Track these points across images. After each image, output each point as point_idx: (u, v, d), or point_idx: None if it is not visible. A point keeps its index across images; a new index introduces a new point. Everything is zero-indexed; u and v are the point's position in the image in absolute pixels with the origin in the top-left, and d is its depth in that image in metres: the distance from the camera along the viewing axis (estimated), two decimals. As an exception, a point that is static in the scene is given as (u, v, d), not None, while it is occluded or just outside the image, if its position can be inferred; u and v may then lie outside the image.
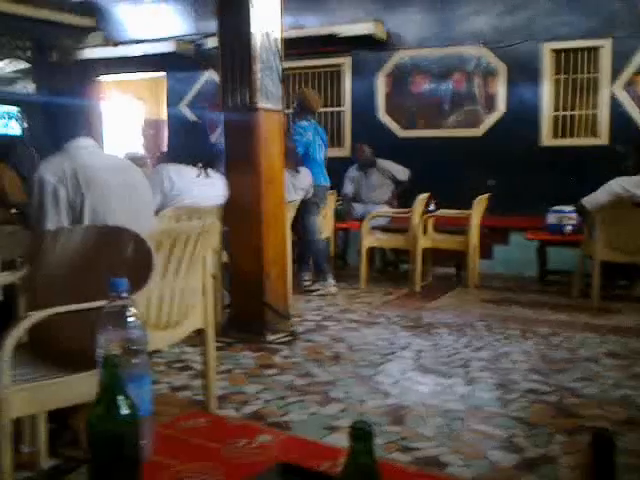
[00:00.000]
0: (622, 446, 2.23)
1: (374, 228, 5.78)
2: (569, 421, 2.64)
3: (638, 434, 2.50)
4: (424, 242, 5.45)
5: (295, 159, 5.43)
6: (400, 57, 7.09)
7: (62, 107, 2.56)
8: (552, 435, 2.50)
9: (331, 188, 6.19)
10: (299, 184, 5.70)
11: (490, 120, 6.78)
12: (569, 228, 5.30)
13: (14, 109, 8.39)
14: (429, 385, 3.07)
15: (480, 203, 5.51)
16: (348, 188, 6.67)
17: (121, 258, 1.99)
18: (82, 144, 2.46)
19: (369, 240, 5.58)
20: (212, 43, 7.08)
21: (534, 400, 2.88)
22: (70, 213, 2.31)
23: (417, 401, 2.86)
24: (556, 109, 6.63)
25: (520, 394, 2.95)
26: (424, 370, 3.30)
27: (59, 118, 2.55)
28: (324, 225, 6.05)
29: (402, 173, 6.54)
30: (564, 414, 2.73)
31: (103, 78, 8.71)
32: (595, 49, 6.42)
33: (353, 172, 6.69)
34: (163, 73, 8.31)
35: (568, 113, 6.62)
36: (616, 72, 6.33)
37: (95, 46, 8.35)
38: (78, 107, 2.55)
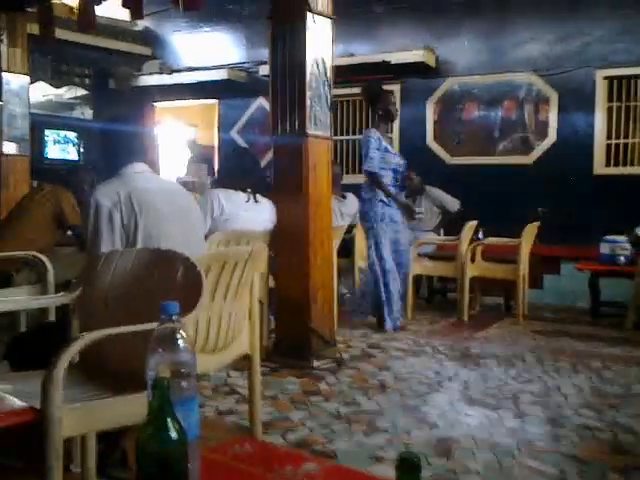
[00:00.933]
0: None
1: (421, 255, 5.74)
2: (623, 458, 2.55)
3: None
4: (472, 270, 5.38)
5: (339, 185, 5.44)
6: (450, 84, 7.08)
7: (118, 133, 2.64)
8: (605, 473, 2.41)
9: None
10: (346, 210, 5.72)
11: (541, 147, 6.69)
12: (622, 259, 5.16)
13: (72, 135, 8.70)
14: (477, 417, 3.00)
15: (530, 231, 5.42)
16: None
17: (172, 281, 2.02)
18: (137, 169, 2.52)
19: (416, 268, 5.53)
20: (264, 71, 7.21)
21: (587, 436, 2.79)
22: (124, 237, 2.37)
23: (465, 434, 2.79)
24: (609, 137, 6.51)
25: (572, 429, 2.85)
26: (472, 402, 3.23)
27: (115, 143, 2.62)
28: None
29: (452, 204, 6.47)
30: (618, 451, 2.63)
31: (158, 105, 8.96)
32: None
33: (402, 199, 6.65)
34: (216, 100, 8.50)
35: (622, 141, 6.48)
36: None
37: (151, 74, 8.60)
38: (134, 133, 2.62)
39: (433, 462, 2.48)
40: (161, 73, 8.48)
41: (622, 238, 5.20)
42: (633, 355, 4.23)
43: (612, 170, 6.48)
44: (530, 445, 2.67)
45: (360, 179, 7.36)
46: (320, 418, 2.97)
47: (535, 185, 6.56)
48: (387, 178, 4.94)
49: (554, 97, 6.59)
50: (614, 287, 5.50)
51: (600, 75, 6.40)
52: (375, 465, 2.45)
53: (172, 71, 8.45)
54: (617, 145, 6.50)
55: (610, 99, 6.48)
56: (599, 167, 6.49)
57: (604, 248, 5.25)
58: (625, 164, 6.48)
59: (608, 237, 5.29)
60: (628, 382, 3.60)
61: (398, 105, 7.39)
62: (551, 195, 6.49)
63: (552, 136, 6.64)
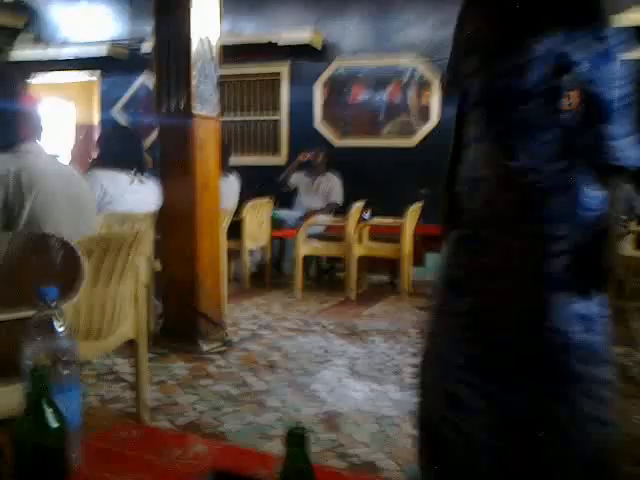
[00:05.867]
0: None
1: (310, 236, 5.81)
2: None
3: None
4: (359, 250, 5.51)
5: (227, 165, 5.36)
6: (337, 66, 7.16)
7: (9, 110, 2.49)
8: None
9: (265, 196, 6.20)
10: (229, 190, 5.67)
11: (423, 131, 6.93)
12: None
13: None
14: (364, 392, 3.10)
15: (413, 212, 5.62)
16: (292, 181, 6.69)
17: (50, 266, 1.93)
18: (31, 148, 2.40)
19: (305, 248, 5.60)
20: (147, 47, 6.96)
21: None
22: (4, 216, 2.24)
23: (352, 408, 2.88)
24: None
25: (452, 399, 3.01)
26: (358, 377, 3.33)
27: (6, 121, 2.47)
28: (260, 233, 6.04)
29: (338, 197, 6.61)
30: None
31: (33, 81, 8.44)
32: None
33: (299, 175, 6.71)
34: (95, 76, 8.12)
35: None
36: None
37: (25, 48, 8.08)
38: (13, 110, 2.48)
39: (322, 436, 2.55)
40: (36, 47, 7.98)
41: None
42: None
43: None
44: (414, 415, 2.79)
45: (250, 160, 7.36)
46: (209, 401, 2.95)
47: (418, 167, 6.78)
48: None
49: (436, 81, 6.83)
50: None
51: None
52: (266, 443, 2.48)
53: (48, 45, 7.97)
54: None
55: None
56: (477, 150, 6.81)
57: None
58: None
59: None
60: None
61: (287, 87, 7.46)
62: (433, 176, 6.71)
63: (434, 120, 6.88)
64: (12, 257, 2.04)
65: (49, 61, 7.97)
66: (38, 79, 8.40)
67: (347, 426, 2.67)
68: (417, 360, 3.45)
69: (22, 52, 8.09)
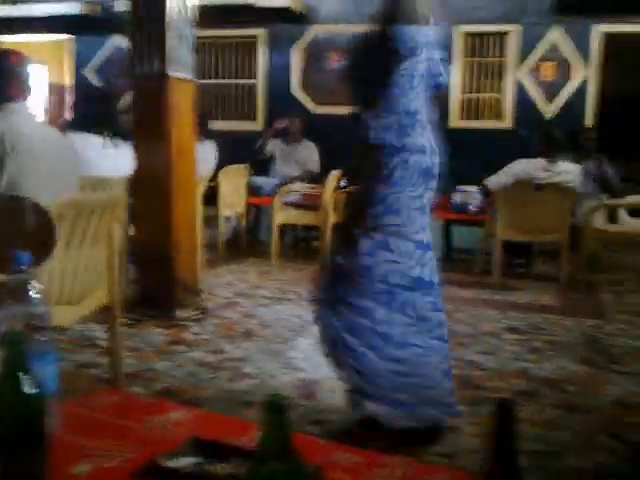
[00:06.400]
0: (523, 416, 2.36)
1: (286, 204, 5.77)
2: (472, 393, 2.75)
3: (537, 404, 2.64)
4: (335, 218, 5.49)
5: (204, 130, 5.26)
6: (316, 32, 7.05)
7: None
8: (457, 406, 2.59)
9: (241, 163, 6.13)
10: (204, 155, 5.59)
11: (401, 100, 6.88)
12: (473, 208, 5.48)
13: None
14: (340, 360, 3.10)
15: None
16: (268, 146, 6.61)
17: (22, 229, 1.88)
18: (15, 108, 2.35)
19: (281, 216, 5.56)
20: (122, 6, 6.77)
21: (440, 373, 2.98)
22: None
23: (328, 375, 2.88)
24: (464, 91, 6.81)
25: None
26: (335, 345, 3.33)
27: None
28: (236, 199, 5.98)
29: (315, 165, 6.55)
30: (467, 386, 2.83)
31: (1, 39, 8.18)
32: (504, 34, 6.63)
33: (276, 141, 6.64)
34: (68, 36, 7.89)
35: (475, 95, 6.82)
36: (522, 58, 6.57)
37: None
38: (13, 69, 2.42)
39: (299, 403, 2.55)
40: (3, 3, 7.72)
41: (473, 189, 5.51)
42: (481, 297, 4.56)
43: (466, 123, 6.82)
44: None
45: (227, 125, 7.25)
46: (185, 368, 2.94)
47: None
48: None
49: (414, 49, 6.77)
50: (465, 234, 5.86)
51: (459, 30, 6.65)
52: (243, 410, 2.48)
53: (16, 1, 7.71)
54: (471, 99, 6.83)
55: (467, 55, 6.76)
56: (454, 120, 6.80)
57: (456, 197, 5.55)
58: (478, 118, 6.83)
59: (460, 187, 5.59)
60: (476, 322, 3.88)
61: (263, 51, 7.32)
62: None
63: (412, 88, 6.83)
64: (-17, 220, 1.98)
65: (18, 19, 7.72)
66: (7, 38, 8.15)
67: (324, 393, 2.68)
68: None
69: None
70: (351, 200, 2.40)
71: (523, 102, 6.61)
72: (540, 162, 4.86)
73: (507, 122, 6.71)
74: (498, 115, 6.78)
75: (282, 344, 3.34)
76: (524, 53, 6.55)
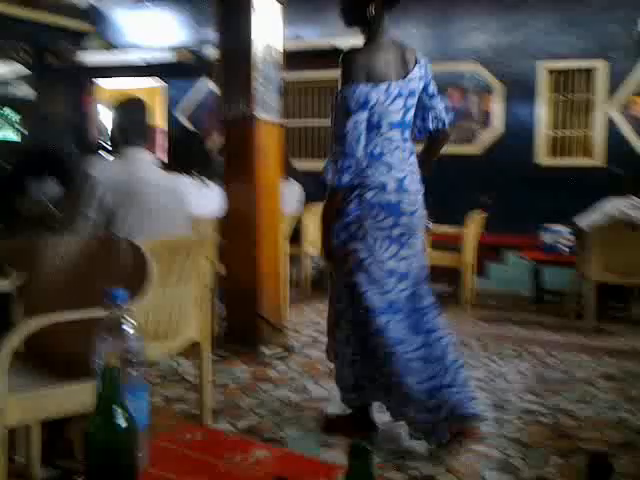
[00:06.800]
0: (619, 469, 2.22)
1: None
2: (565, 443, 2.62)
3: (634, 457, 2.48)
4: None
5: (288, 170, 5.37)
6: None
7: (123, 112, 2.61)
8: (548, 456, 2.48)
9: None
10: (291, 195, 5.69)
11: (486, 137, 6.80)
12: (564, 248, 5.30)
13: (12, 113, 8.36)
14: (424, 403, 3.03)
15: (475, 220, 5.51)
16: None
17: (120, 267, 1.97)
18: (139, 154, 2.50)
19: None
20: (212, 52, 7.09)
21: (530, 421, 2.86)
22: (106, 220, 2.33)
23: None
24: (552, 128, 6.66)
25: (516, 415, 2.92)
26: (419, 387, 3.27)
27: (120, 122, 2.58)
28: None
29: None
30: (560, 436, 2.70)
31: (100, 83, 8.69)
32: (590, 70, 6.46)
33: None
34: (160, 80, 8.30)
35: (564, 133, 6.65)
36: (611, 93, 6.37)
37: (93, 51, 8.32)
38: (136, 114, 2.60)
39: (382, 447, 2.50)
40: (103, 51, 8.21)
41: (564, 228, 5.33)
42: (573, 342, 4.36)
43: (555, 161, 6.64)
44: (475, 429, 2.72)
45: (311, 165, 7.37)
46: (270, 405, 2.96)
47: (480, 174, 6.67)
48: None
49: (498, 87, 6.70)
50: (557, 275, 5.65)
51: (543, 67, 6.54)
52: (326, 452, 2.46)
53: (114, 49, 8.19)
54: (560, 137, 6.66)
55: (553, 91, 6.63)
56: (541, 158, 6.64)
57: (546, 238, 5.38)
58: (568, 155, 6.65)
59: (550, 227, 5.42)
60: (569, 368, 3.71)
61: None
62: (496, 184, 6.61)
63: (496, 126, 6.75)
64: (84, 258, 2.08)
65: (116, 64, 8.18)
66: (105, 83, 8.66)
67: (407, 437, 2.61)
68: (480, 374, 3.38)
69: (90, 55, 8.32)
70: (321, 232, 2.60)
71: (613, 138, 6.38)
72: (634, 200, 4.66)
73: (597, 159, 6.49)
74: (587, 152, 6.58)
75: (365, 385, 3.30)
76: (612, 88, 6.35)
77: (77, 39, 8.50)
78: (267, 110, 3.86)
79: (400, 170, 2.53)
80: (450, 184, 6.67)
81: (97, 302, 1.73)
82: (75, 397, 1.66)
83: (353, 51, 2.53)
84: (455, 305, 5.57)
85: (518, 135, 6.62)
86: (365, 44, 2.61)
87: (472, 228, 5.45)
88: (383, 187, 2.47)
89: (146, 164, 2.52)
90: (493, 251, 6.40)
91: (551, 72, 6.58)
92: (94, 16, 8.57)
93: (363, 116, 2.40)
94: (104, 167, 2.42)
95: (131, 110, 2.63)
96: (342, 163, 2.39)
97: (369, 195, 2.46)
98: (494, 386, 3.33)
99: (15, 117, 8.43)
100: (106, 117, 8.76)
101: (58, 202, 3.21)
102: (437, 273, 5.91)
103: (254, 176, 3.81)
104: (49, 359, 1.90)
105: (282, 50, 4.00)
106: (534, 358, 3.90)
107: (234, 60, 3.81)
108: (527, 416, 2.91)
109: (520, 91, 6.63)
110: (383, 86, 2.44)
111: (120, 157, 2.50)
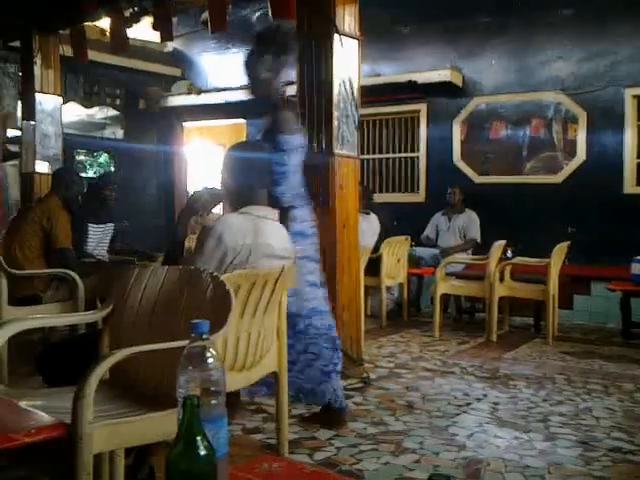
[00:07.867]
0: None
1: (449, 274, 5.70)
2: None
3: None
4: (501, 290, 5.32)
5: (365, 203, 5.41)
6: (477, 103, 7.07)
7: (246, 158, 2.68)
8: (640, 499, 2.36)
9: (406, 234, 6.19)
10: (370, 227, 5.72)
11: (570, 167, 6.62)
12: (655, 279, 5.06)
13: (103, 154, 8.84)
14: (506, 439, 2.96)
15: (560, 251, 5.36)
16: (428, 230, 6.72)
17: (201, 299, 2.04)
18: (261, 212, 2.56)
19: (444, 287, 5.49)
20: (291, 91, 7.27)
21: (618, 459, 2.73)
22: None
23: (494, 455, 2.75)
24: (639, 156, 6.42)
25: (603, 452, 2.80)
26: (501, 423, 3.19)
27: (241, 169, 2.65)
28: (397, 270, 6.01)
29: (477, 234, 6.49)
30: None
31: (187, 125, 9.08)
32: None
33: (437, 217, 6.74)
34: (243, 120, 8.57)
35: (652, 160, 6.40)
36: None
37: (180, 94, 8.72)
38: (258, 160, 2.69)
39: (462, 484, 2.45)
40: (190, 93, 8.59)
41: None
42: (667, 377, 4.14)
43: (642, 190, 6.39)
44: (561, 467, 2.63)
45: (387, 198, 7.40)
46: (347, 438, 2.95)
47: (564, 204, 6.50)
48: None
49: (583, 116, 6.53)
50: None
51: (629, 94, 6.34)
52: (403, 486, 2.43)
53: (200, 91, 8.55)
54: (648, 164, 6.42)
55: (639, 118, 6.41)
56: (629, 186, 6.40)
57: (636, 269, 5.17)
58: (655, 184, 6.38)
59: (638, 257, 5.21)
60: (662, 405, 3.52)
61: (425, 125, 7.43)
62: (581, 214, 6.42)
63: (581, 155, 6.57)
64: (167, 290, 2.17)
65: (201, 105, 8.52)
66: (191, 123, 9.03)
67: (489, 475, 2.55)
68: (565, 409, 3.26)
69: (178, 98, 8.73)
70: None
71: None
72: None
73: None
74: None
75: (444, 419, 3.24)
76: None
77: (167, 83, 8.93)
78: (345, 144, 3.93)
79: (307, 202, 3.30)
80: (532, 214, 6.53)
81: (180, 333, 1.80)
82: (158, 425, 1.72)
83: None
84: (539, 338, 5.40)
85: (604, 164, 6.42)
86: None
87: (556, 259, 5.30)
88: (294, 219, 3.19)
89: (267, 225, 2.54)
90: (578, 282, 6.19)
91: (637, 98, 6.37)
92: (182, 61, 8.99)
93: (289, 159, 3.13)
94: (233, 225, 2.43)
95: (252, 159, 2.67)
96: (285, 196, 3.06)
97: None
98: (580, 422, 3.20)
99: (109, 161, 8.90)
100: (196, 162, 9.14)
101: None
102: (520, 305, 5.81)
103: (332, 209, 3.86)
104: (134, 388, 1.98)
105: (360, 86, 4.06)
106: (622, 394, 3.72)
107: (313, 97, 3.90)
108: (615, 454, 2.78)
109: (605, 119, 6.45)
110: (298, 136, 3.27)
111: (245, 215, 2.51)
